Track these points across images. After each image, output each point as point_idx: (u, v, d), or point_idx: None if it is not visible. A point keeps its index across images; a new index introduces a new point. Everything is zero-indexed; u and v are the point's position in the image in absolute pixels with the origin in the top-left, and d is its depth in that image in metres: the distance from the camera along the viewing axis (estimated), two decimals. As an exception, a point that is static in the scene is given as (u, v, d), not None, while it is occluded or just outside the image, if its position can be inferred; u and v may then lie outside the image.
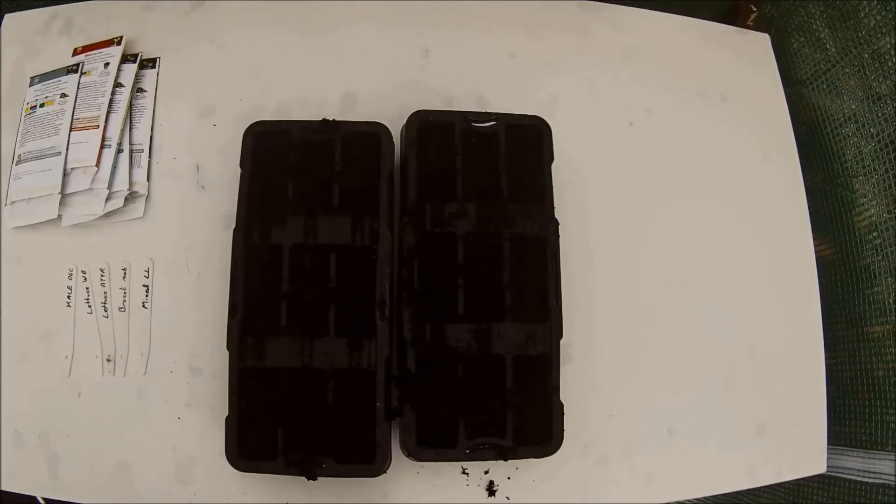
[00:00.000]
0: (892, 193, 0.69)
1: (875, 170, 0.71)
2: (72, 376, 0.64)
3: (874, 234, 0.72)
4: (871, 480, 0.69)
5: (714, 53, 0.79)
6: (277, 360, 0.58)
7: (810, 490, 0.76)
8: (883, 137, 0.70)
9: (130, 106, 0.70)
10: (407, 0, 0.76)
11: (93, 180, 0.66)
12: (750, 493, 0.80)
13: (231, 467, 0.57)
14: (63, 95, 0.69)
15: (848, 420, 0.73)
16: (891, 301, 0.70)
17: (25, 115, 0.70)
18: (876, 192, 0.72)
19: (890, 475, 0.67)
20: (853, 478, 0.71)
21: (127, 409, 0.63)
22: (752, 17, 0.83)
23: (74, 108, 0.69)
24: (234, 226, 0.61)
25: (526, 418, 0.59)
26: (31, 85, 0.71)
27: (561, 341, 0.61)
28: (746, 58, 0.80)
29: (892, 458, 0.67)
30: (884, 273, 0.71)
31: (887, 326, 0.70)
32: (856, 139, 0.74)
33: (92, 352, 0.64)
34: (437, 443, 0.58)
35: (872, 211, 0.72)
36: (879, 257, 0.71)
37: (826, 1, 0.75)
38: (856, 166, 0.74)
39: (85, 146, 0.67)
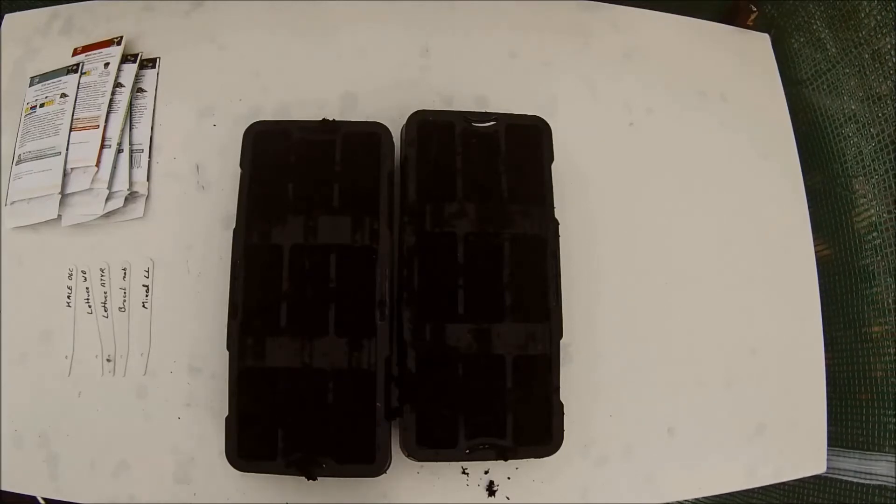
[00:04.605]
0: (893, 194, 0.69)
1: (875, 170, 0.71)
2: (72, 376, 0.64)
3: (874, 234, 0.72)
4: (868, 482, 0.69)
5: (714, 53, 0.79)
6: (277, 360, 0.58)
7: (806, 491, 0.76)
8: (883, 138, 0.70)
9: (130, 106, 0.70)
10: (407, 0, 0.76)
11: (93, 180, 0.66)
12: (745, 493, 0.80)
13: (231, 467, 0.57)
14: (63, 95, 0.69)
15: (845, 421, 0.72)
16: (889, 301, 0.70)
17: (25, 115, 0.70)
18: (876, 192, 0.72)
19: (887, 476, 0.67)
20: (850, 479, 0.71)
21: (127, 409, 0.63)
22: (752, 17, 0.82)
23: (74, 108, 0.69)
24: (234, 226, 0.61)
25: (526, 418, 0.59)
26: (31, 85, 0.71)
27: (561, 341, 0.61)
28: (746, 58, 0.80)
29: (889, 459, 0.67)
30: (883, 273, 0.71)
31: (886, 327, 0.70)
32: (856, 139, 0.74)
33: (92, 352, 0.64)
34: (437, 443, 0.58)
35: (872, 211, 0.72)
36: (879, 258, 0.71)
37: (826, 1, 0.75)
38: (856, 167, 0.74)
39: (85, 146, 0.67)
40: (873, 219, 0.72)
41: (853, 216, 0.75)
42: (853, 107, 0.74)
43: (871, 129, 0.71)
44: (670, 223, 0.72)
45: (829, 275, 0.75)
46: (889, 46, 0.68)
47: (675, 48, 0.79)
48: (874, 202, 0.72)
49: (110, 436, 0.63)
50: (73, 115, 0.68)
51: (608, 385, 0.67)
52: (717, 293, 0.71)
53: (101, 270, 0.66)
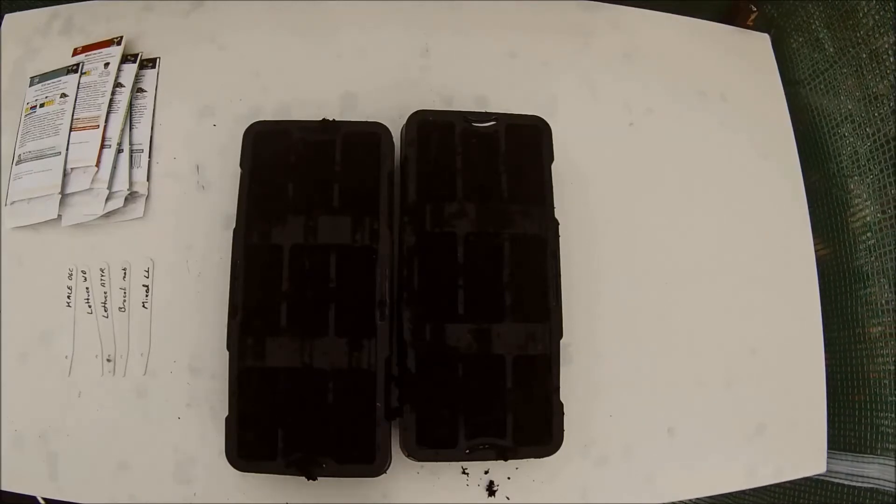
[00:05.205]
0: (887, 194, 0.69)
1: (870, 170, 0.71)
2: (72, 376, 0.64)
3: (868, 234, 0.72)
4: (861, 485, 0.69)
5: (714, 53, 0.79)
6: (277, 360, 0.58)
7: (799, 494, 0.75)
8: (879, 137, 0.70)
9: (130, 106, 0.70)
10: (407, 0, 0.76)
11: (93, 180, 0.66)
12: (738, 495, 0.80)
13: (231, 467, 0.57)
14: (63, 95, 0.69)
15: (838, 423, 0.72)
16: (883, 302, 0.70)
17: (25, 115, 0.70)
18: (871, 192, 0.71)
19: (879, 479, 0.67)
20: (842, 482, 0.70)
21: (127, 409, 0.63)
22: (752, 17, 0.83)
23: (74, 108, 0.69)
24: (234, 226, 0.61)
25: (526, 418, 0.59)
26: (31, 85, 0.71)
27: (561, 341, 0.61)
28: (746, 58, 0.80)
29: (882, 461, 0.67)
30: (877, 274, 0.70)
31: (880, 328, 0.70)
32: (852, 139, 0.74)
33: (92, 352, 0.64)
34: (437, 443, 0.58)
35: (867, 211, 0.72)
36: (873, 258, 0.71)
37: (826, 1, 0.75)
38: (851, 166, 0.74)
39: (85, 146, 0.67)
40: (868, 219, 0.72)
41: (848, 216, 0.74)
42: (850, 106, 0.74)
43: (867, 129, 0.71)
44: (670, 223, 0.72)
45: (825, 275, 0.75)
46: (887, 46, 0.68)
47: (675, 48, 0.79)
48: (868, 202, 0.72)
49: (110, 436, 0.63)
50: (73, 115, 0.68)
51: (608, 385, 0.67)
52: (717, 293, 0.71)
53: (101, 270, 0.66)
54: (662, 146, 0.74)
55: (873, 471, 0.68)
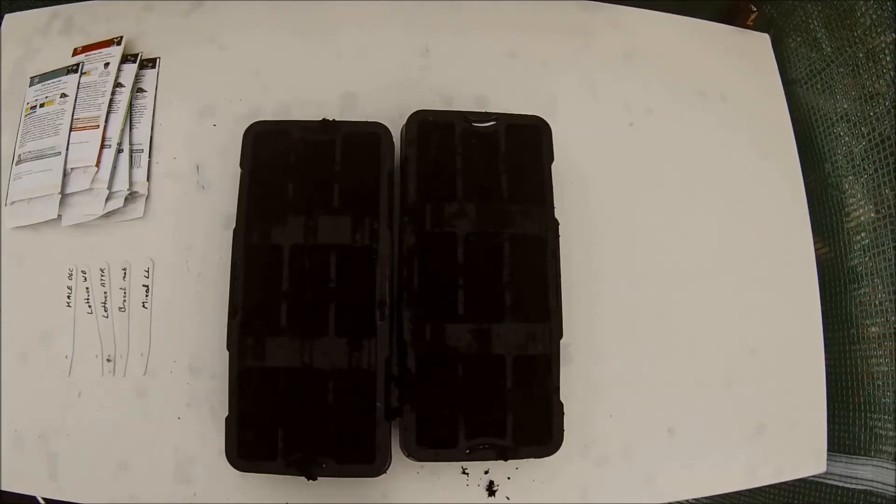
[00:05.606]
0: (882, 193, 0.69)
1: (864, 169, 0.71)
2: (72, 376, 0.64)
3: (862, 234, 0.72)
4: (854, 486, 0.68)
5: (714, 53, 0.79)
6: (277, 360, 0.58)
7: (793, 495, 0.75)
8: (874, 137, 0.70)
9: (130, 106, 0.70)
10: (407, 0, 0.76)
11: (93, 180, 0.66)
12: (732, 496, 0.80)
13: (231, 467, 0.57)
14: (63, 95, 0.69)
15: (833, 424, 0.72)
16: (877, 303, 0.70)
17: (25, 115, 0.70)
18: (865, 192, 0.71)
19: (873, 481, 0.67)
20: (836, 483, 0.70)
21: (127, 409, 0.63)
22: (752, 17, 0.83)
23: (74, 108, 0.69)
24: (234, 226, 0.61)
25: (526, 418, 0.59)
26: (31, 85, 0.71)
27: (561, 341, 0.61)
28: (746, 58, 0.80)
29: (875, 463, 0.67)
30: (871, 274, 0.70)
31: (874, 329, 0.70)
32: (847, 139, 0.74)
33: (92, 352, 0.64)
34: (437, 443, 0.58)
35: (861, 211, 0.72)
36: (867, 258, 0.71)
37: (824, 0, 0.75)
38: (846, 166, 0.74)
39: (85, 146, 0.67)
40: (862, 219, 0.72)
41: (843, 216, 0.74)
42: (846, 106, 0.74)
43: (863, 128, 0.71)
44: (670, 223, 0.72)
45: (820, 275, 0.74)
46: (884, 45, 0.68)
47: (675, 48, 0.79)
48: (863, 202, 0.72)
49: (110, 436, 0.63)
50: (73, 115, 0.68)
51: (608, 385, 0.67)
52: (717, 293, 0.71)
53: (101, 270, 0.66)
54: (662, 146, 0.74)
55: (867, 473, 0.67)
